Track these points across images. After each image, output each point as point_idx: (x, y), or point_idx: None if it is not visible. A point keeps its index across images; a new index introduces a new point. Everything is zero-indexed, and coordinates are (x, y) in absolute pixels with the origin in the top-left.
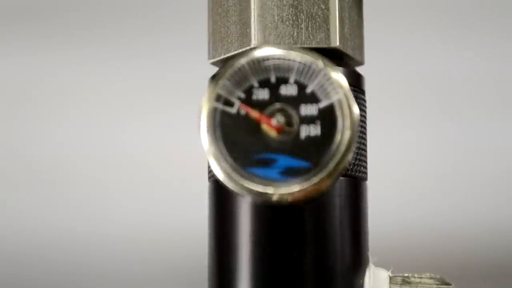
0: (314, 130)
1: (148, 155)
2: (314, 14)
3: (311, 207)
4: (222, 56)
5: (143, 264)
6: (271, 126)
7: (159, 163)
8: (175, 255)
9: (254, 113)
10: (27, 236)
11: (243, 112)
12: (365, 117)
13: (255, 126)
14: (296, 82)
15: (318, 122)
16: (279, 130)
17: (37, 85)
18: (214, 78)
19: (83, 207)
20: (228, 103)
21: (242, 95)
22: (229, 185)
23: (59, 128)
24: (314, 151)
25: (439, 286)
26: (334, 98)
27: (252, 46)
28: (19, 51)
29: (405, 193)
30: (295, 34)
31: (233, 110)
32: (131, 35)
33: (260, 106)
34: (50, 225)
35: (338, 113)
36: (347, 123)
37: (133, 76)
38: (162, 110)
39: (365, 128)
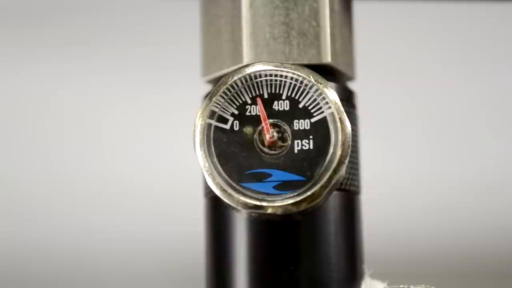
0: (307, 144)
1: (141, 169)
2: (305, 31)
3: (306, 220)
4: (215, 74)
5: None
6: (269, 137)
7: (153, 177)
8: (172, 264)
9: (263, 113)
10: (22, 250)
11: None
12: (357, 131)
13: (250, 141)
14: (288, 97)
15: (311, 137)
16: (273, 143)
17: (24, 99)
18: (208, 95)
19: (76, 220)
20: (222, 120)
21: (236, 112)
22: (225, 199)
23: (54, 143)
24: (308, 165)
25: None
26: (326, 113)
27: (245, 63)
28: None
29: (401, 204)
30: (287, 51)
31: (227, 126)
32: (123, 48)
33: (254, 122)
34: (46, 237)
35: (330, 127)
36: (339, 137)
37: (127, 90)
38: (157, 124)
39: (357, 142)
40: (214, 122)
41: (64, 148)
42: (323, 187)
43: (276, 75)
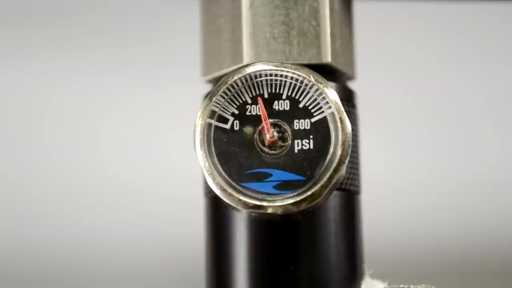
0: (307, 144)
1: (143, 170)
2: (305, 30)
3: (306, 220)
4: (215, 73)
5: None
6: (269, 137)
7: (154, 179)
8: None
9: (264, 112)
10: (22, 250)
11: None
12: (357, 131)
13: (250, 141)
14: (288, 97)
15: (311, 136)
16: (273, 143)
17: (23, 99)
18: (208, 95)
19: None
20: (222, 119)
21: (236, 111)
22: (225, 199)
23: (57, 142)
24: (308, 165)
25: None
26: (326, 113)
27: (245, 63)
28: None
29: (401, 204)
30: (287, 50)
31: (227, 126)
32: (124, 48)
33: (254, 121)
34: (46, 238)
35: (330, 127)
36: (340, 137)
37: (129, 91)
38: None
39: (357, 142)
40: (214, 122)
41: (64, 148)
42: (323, 187)
43: (276, 75)
